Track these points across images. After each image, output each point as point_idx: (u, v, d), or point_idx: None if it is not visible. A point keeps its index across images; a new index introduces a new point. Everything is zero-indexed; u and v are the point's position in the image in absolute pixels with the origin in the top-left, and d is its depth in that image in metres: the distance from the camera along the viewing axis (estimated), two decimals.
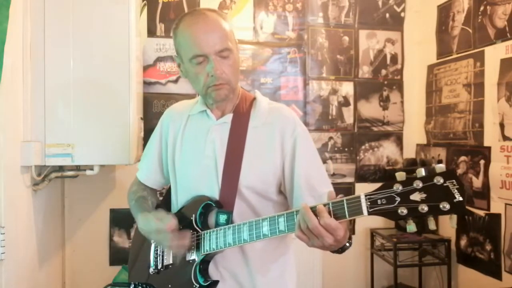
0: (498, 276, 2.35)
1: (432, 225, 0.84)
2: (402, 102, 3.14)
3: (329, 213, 0.91)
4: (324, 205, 0.92)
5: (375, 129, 3.09)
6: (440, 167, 0.81)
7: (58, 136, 1.96)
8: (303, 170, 1.17)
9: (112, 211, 2.72)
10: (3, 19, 1.62)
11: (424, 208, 0.82)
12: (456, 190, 0.80)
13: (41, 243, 2.10)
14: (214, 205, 1.17)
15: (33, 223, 1.99)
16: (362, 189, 0.91)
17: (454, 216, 0.82)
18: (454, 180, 0.80)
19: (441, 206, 0.80)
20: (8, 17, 1.64)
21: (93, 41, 1.97)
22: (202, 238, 1.15)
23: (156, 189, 1.41)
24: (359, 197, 0.88)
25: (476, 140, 2.54)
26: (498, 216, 2.36)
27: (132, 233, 2.75)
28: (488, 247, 2.44)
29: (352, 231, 3.04)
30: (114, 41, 2.00)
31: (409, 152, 3.13)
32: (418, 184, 0.82)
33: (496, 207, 2.38)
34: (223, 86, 1.16)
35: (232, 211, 1.15)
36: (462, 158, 2.66)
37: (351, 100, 3.06)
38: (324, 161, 3.01)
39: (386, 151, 3.11)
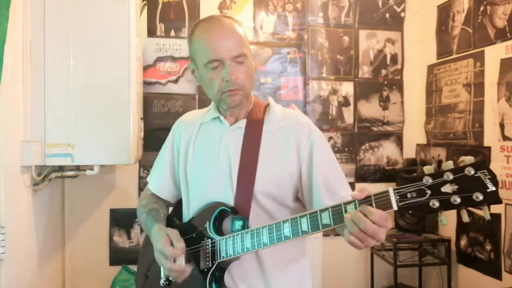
0: (498, 276, 2.35)
1: (465, 217, 0.84)
2: (402, 102, 3.14)
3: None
4: (349, 203, 0.92)
5: (375, 129, 3.09)
6: (469, 159, 0.82)
7: (58, 136, 1.96)
8: (322, 175, 1.15)
9: (112, 211, 2.72)
10: (3, 19, 1.62)
11: (456, 199, 0.81)
12: (488, 180, 0.79)
13: (41, 243, 2.10)
14: (229, 211, 1.14)
15: (33, 223, 1.99)
16: None
17: (486, 207, 0.81)
18: (485, 170, 0.80)
19: (474, 196, 0.80)
20: (8, 17, 1.64)
21: (93, 41, 1.97)
22: (218, 245, 1.12)
23: (167, 201, 1.37)
24: (387, 192, 0.87)
25: (476, 140, 2.54)
26: (498, 216, 2.36)
27: (132, 234, 2.75)
28: (488, 247, 2.44)
29: None
30: (114, 41, 2.00)
31: (409, 152, 3.13)
32: (449, 176, 0.82)
33: (496, 207, 2.37)
34: (238, 91, 1.15)
35: (248, 217, 1.12)
36: (462, 158, 2.65)
37: (351, 100, 3.06)
38: None
39: (386, 151, 3.11)
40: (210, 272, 1.12)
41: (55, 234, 2.46)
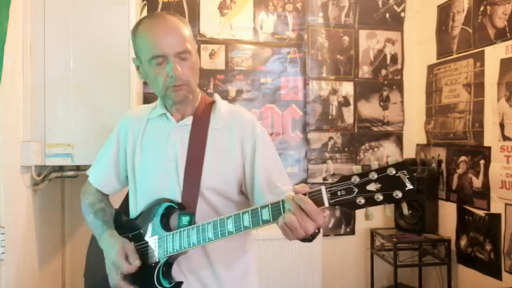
0: (498, 276, 2.36)
1: (388, 212, 0.93)
2: (402, 102, 3.14)
3: None
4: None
5: (375, 129, 3.10)
6: (392, 159, 0.89)
7: (58, 136, 1.95)
8: (263, 169, 1.19)
9: None
10: (3, 19, 1.62)
11: (379, 197, 0.89)
12: (407, 180, 0.87)
13: (41, 243, 2.09)
14: (176, 207, 1.17)
15: (33, 223, 1.99)
16: None
17: (405, 204, 0.89)
18: (404, 171, 0.87)
19: (394, 194, 0.87)
20: (8, 17, 1.64)
21: (93, 41, 1.97)
22: (165, 240, 1.15)
23: (108, 195, 1.42)
24: (320, 190, 0.94)
25: (476, 140, 2.54)
26: (498, 216, 2.37)
27: None
28: (488, 247, 2.44)
29: (352, 231, 3.05)
30: (114, 41, 1.99)
31: (409, 152, 3.13)
32: (373, 175, 0.89)
33: (496, 207, 2.38)
34: (182, 87, 1.17)
35: (194, 213, 1.16)
36: (462, 158, 2.66)
37: (351, 100, 3.07)
38: (324, 161, 3.01)
39: (386, 151, 3.11)
40: (158, 267, 1.15)
41: (55, 234, 2.46)
